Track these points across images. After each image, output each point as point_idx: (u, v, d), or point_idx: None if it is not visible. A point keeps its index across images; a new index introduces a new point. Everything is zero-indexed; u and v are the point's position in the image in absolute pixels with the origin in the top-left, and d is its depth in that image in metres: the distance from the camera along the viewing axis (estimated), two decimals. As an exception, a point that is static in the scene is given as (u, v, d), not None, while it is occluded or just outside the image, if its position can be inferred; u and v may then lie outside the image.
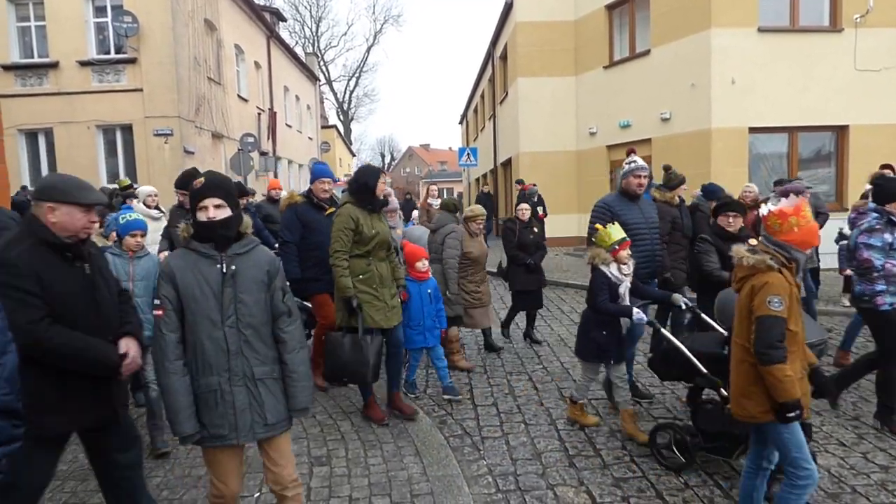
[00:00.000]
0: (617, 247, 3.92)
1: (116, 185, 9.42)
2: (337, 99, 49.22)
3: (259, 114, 20.11)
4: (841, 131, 11.92)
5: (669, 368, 3.78)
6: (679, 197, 5.91)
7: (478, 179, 26.44)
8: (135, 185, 9.33)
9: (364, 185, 4.12)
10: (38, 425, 2.16)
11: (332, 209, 4.84)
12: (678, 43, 12.17)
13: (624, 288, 3.99)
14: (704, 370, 3.44)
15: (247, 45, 19.18)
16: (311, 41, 45.05)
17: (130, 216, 3.92)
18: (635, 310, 3.86)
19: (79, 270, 2.38)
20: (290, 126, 24.58)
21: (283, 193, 8.66)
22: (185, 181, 6.48)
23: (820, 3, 11.88)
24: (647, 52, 13.08)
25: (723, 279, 4.11)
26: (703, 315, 3.99)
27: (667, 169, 6.08)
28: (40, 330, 2.20)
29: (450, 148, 68.24)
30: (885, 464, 3.63)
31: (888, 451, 3.78)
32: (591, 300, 4.02)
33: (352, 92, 49.93)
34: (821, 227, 6.16)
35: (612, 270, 3.94)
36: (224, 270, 2.35)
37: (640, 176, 4.43)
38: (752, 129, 11.71)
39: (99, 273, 2.50)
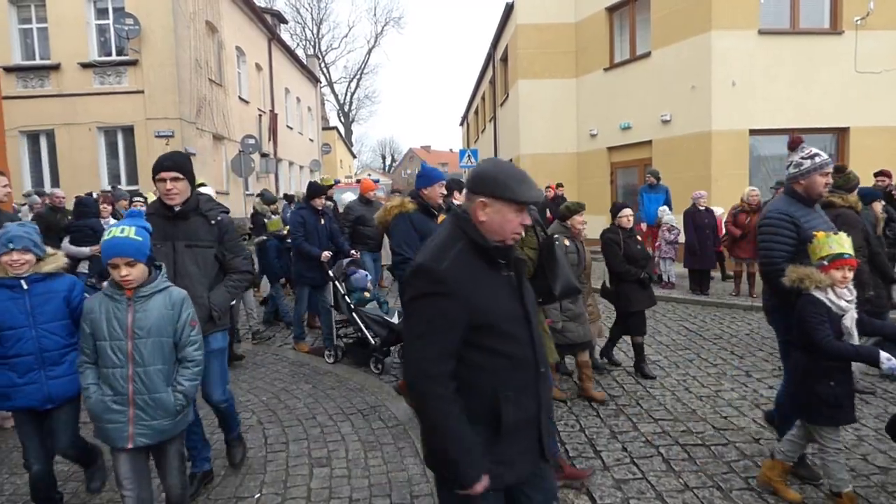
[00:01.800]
0: (827, 262, 2.97)
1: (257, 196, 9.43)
2: (338, 101, 49.39)
3: (260, 115, 20.15)
4: (841, 133, 11.93)
5: None
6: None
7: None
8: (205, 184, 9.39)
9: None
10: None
11: (444, 216, 4.48)
12: (679, 45, 12.18)
13: (850, 320, 2.99)
14: None
15: (248, 46, 19.23)
16: (312, 43, 45.22)
17: (111, 233, 2.50)
18: (884, 354, 2.81)
19: (506, 280, 1.89)
20: (290, 128, 24.63)
21: (379, 194, 8.35)
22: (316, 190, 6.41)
23: (820, 6, 11.89)
24: (647, 55, 13.09)
25: None
26: None
27: (842, 170, 5.12)
28: (431, 379, 1.72)
29: (451, 149, 68.41)
30: (884, 465, 3.63)
31: (888, 454, 3.77)
32: (806, 338, 3.00)
33: (353, 94, 50.14)
34: None
35: (830, 297, 2.97)
36: None
37: (828, 174, 3.38)
38: (753, 132, 11.72)
39: (524, 284, 1.99)
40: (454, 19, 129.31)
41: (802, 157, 3.44)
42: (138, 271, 2.52)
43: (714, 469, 3.61)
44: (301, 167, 26.03)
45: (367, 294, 6.04)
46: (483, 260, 1.82)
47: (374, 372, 5.63)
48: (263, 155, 19.35)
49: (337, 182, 18.03)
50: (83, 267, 6.28)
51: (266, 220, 8.13)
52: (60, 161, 13.78)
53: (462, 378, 1.76)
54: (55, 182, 13.71)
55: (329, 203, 7.67)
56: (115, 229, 2.52)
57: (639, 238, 5.69)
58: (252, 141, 16.35)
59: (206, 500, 3.31)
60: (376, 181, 17.50)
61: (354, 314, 5.82)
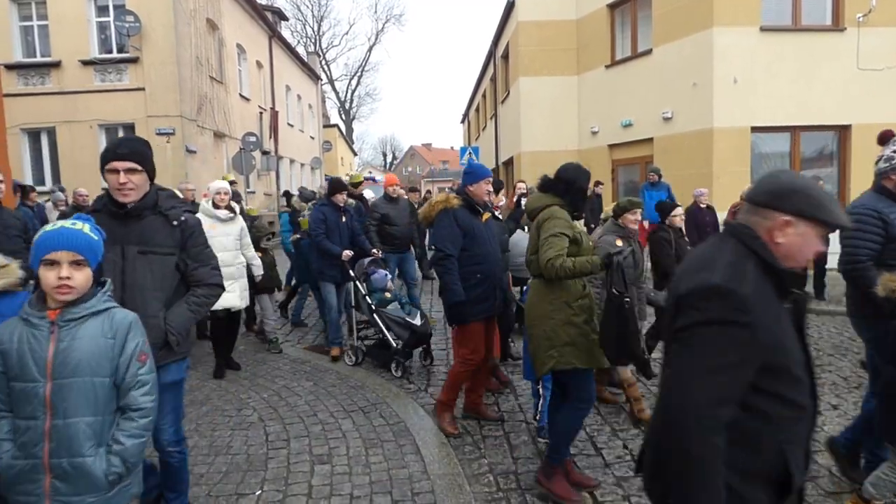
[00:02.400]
0: None
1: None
2: (339, 98, 49.37)
3: (261, 113, 20.14)
4: (843, 131, 11.90)
5: None
6: None
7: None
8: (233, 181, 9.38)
9: (580, 188, 3.41)
10: None
11: (489, 214, 4.28)
12: (680, 42, 12.14)
13: None
14: None
15: (249, 44, 19.21)
16: (312, 40, 45.21)
17: (56, 226, 1.88)
18: None
19: (787, 312, 1.57)
20: (291, 125, 24.62)
21: (400, 190, 7.44)
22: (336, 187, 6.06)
23: (822, 3, 11.84)
24: (648, 52, 13.06)
25: None
26: None
27: None
28: (708, 426, 1.41)
29: (451, 147, 68.45)
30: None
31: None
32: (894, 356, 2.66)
33: (353, 91, 50.13)
34: None
35: None
36: None
37: None
38: (755, 129, 11.69)
39: (805, 321, 1.67)
40: (455, 17, 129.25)
41: (894, 151, 3.19)
42: (83, 277, 1.85)
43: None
44: (302, 165, 26.02)
45: (387, 294, 5.88)
46: (772, 287, 1.52)
47: (396, 375, 5.41)
48: (264, 152, 19.35)
49: (366, 180, 17.75)
50: None
51: (300, 218, 7.91)
52: (62, 159, 13.79)
53: (742, 429, 1.46)
54: (56, 180, 13.72)
55: (351, 201, 7.18)
56: (65, 221, 1.90)
57: (686, 238, 5.44)
58: (253, 138, 16.35)
59: (208, 497, 3.32)
60: (378, 179, 17.44)
61: (375, 315, 5.63)
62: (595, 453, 3.84)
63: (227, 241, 5.28)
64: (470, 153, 18.61)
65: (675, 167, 11.79)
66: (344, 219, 6.06)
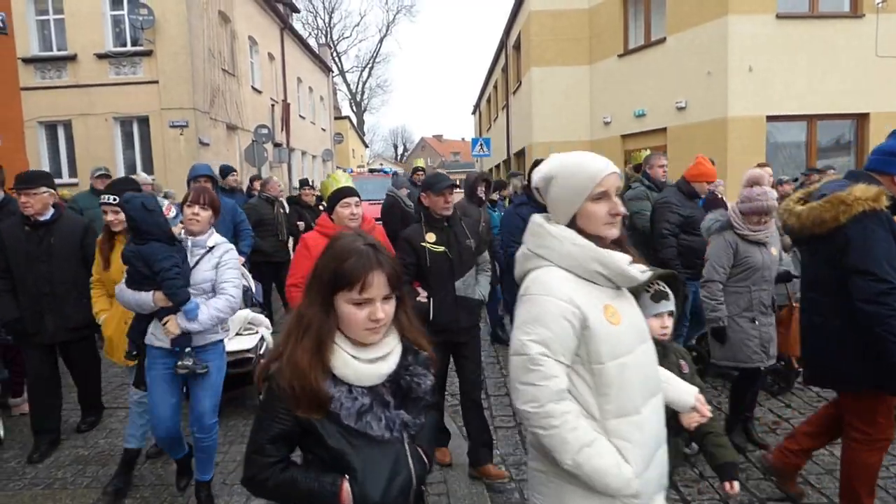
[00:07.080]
0: None
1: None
2: (350, 90, 49.33)
3: (273, 105, 20.20)
4: (861, 119, 11.71)
5: None
6: None
7: (490, 170, 26.37)
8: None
9: None
10: None
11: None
12: (694, 30, 11.99)
13: None
14: None
15: (260, 36, 19.25)
16: (324, 32, 45.14)
17: None
18: None
19: None
20: (303, 117, 24.67)
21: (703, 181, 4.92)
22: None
23: (840, -11, 11.65)
24: (662, 40, 12.91)
25: None
26: None
27: None
28: None
29: (462, 138, 68.11)
30: (902, 456, 3.59)
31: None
32: None
33: (365, 83, 50.04)
34: None
35: None
36: None
37: None
38: (770, 118, 11.54)
39: None
40: (466, 7, 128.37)
41: None
42: None
43: (727, 458, 3.60)
44: (314, 157, 26.11)
45: None
46: None
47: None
48: (276, 145, 19.43)
49: (377, 172, 16.69)
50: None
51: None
52: (78, 152, 13.94)
53: None
54: (73, 173, 13.91)
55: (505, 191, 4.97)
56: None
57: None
58: (265, 131, 16.40)
59: (223, 485, 3.36)
60: (388, 171, 17.40)
61: None
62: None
63: None
64: (481, 144, 18.58)
65: (689, 157, 11.59)
66: None
